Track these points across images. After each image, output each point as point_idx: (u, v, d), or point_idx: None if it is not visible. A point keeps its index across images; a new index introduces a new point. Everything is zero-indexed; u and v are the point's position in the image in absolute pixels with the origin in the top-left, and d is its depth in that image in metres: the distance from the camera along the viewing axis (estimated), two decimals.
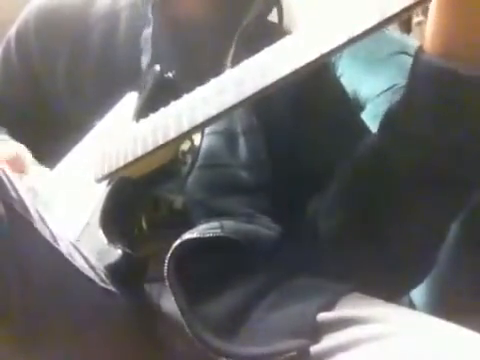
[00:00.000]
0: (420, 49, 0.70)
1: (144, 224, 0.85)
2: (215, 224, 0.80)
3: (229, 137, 0.88)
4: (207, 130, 0.86)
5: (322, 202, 0.84)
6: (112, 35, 0.95)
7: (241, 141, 0.88)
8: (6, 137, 0.97)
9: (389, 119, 0.75)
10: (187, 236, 0.78)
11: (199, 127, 0.76)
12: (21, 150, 0.92)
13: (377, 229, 0.77)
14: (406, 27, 1.80)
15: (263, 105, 0.79)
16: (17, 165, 0.88)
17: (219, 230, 0.79)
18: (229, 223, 0.81)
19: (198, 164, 0.86)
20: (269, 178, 0.88)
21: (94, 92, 0.92)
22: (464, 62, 0.66)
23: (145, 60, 0.91)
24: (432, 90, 0.68)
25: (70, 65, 0.95)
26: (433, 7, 0.67)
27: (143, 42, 0.92)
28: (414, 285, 0.85)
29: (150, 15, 0.92)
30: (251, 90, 0.70)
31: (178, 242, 0.77)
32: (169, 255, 0.76)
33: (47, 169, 0.94)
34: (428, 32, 0.68)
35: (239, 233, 0.80)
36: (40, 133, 0.97)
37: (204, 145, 0.86)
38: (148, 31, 0.92)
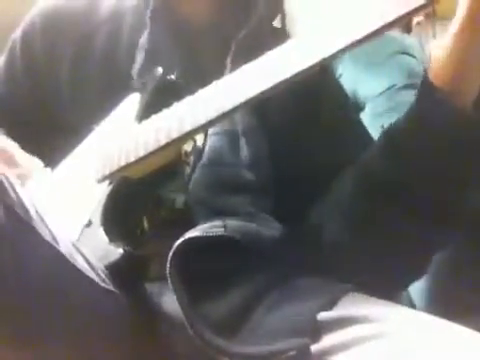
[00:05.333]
0: (428, 80, 0.72)
1: (146, 224, 0.85)
2: (217, 223, 0.80)
3: (232, 137, 0.88)
4: (210, 130, 0.87)
5: (323, 206, 0.84)
6: (116, 37, 0.95)
7: (242, 141, 0.89)
8: None
9: (390, 141, 0.77)
10: (190, 234, 0.78)
11: (201, 128, 0.77)
12: (10, 144, 0.92)
13: (377, 237, 0.78)
14: (406, 27, 1.80)
15: (264, 106, 0.79)
16: (5, 158, 0.88)
17: (221, 229, 0.79)
18: (231, 222, 0.81)
19: (201, 163, 0.86)
20: (271, 178, 0.88)
21: (97, 94, 0.93)
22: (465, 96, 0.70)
23: (139, 60, 0.91)
24: (440, 127, 0.71)
25: (74, 66, 0.96)
26: (451, 38, 0.69)
27: (141, 43, 0.92)
28: (412, 281, 0.86)
29: (148, 18, 0.92)
30: (253, 92, 0.71)
31: (181, 240, 0.77)
32: (171, 253, 0.76)
33: (48, 170, 0.95)
34: (439, 60, 0.71)
35: (241, 232, 0.80)
36: (42, 134, 0.97)
37: (208, 145, 0.87)
38: (145, 34, 0.92)
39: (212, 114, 0.73)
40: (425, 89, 0.72)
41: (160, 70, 0.88)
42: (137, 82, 0.90)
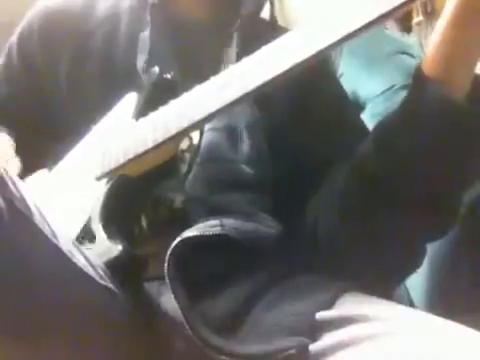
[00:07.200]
0: (420, 73, 0.72)
1: (144, 223, 0.85)
2: (215, 222, 0.80)
3: (230, 133, 0.88)
4: (207, 126, 0.87)
5: (318, 200, 0.84)
6: (114, 37, 0.95)
7: (243, 136, 0.89)
8: None
9: (382, 134, 0.77)
10: (187, 234, 0.78)
11: (199, 124, 0.77)
12: (4, 139, 0.92)
13: (371, 231, 0.78)
14: (406, 27, 1.80)
15: (264, 101, 0.80)
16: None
17: (219, 228, 0.79)
18: (229, 221, 0.81)
19: (199, 160, 0.86)
20: (270, 175, 0.88)
21: (95, 94, 0.93)
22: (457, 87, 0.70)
23: (141, 60, 0.91)
24: (431, 117, 0.71)
25: (72, 67, 0.96)
26: (442, 27, 0.69)
27: (141, 43, 0.92)
28: (407, 274, 0.86)
29: (148, 17, 0.93)
30: (251, 86, 0.71)
31: (178, 240, 0.77)
32: (169, 253, 0.76)
33: (45, 169, 0.95)
34: (431, 52, 0.71)
35: (239, 231, 0.80)
36: (41, 134, 0.97)
37: (205, 141, 0.87)
38: (146, 32, 0.93)
39: (210, 109, 0.74)
40: (417, 81, 0.73)
41: (157, 69, 0.88)
42: (139, 80, 0.90)
